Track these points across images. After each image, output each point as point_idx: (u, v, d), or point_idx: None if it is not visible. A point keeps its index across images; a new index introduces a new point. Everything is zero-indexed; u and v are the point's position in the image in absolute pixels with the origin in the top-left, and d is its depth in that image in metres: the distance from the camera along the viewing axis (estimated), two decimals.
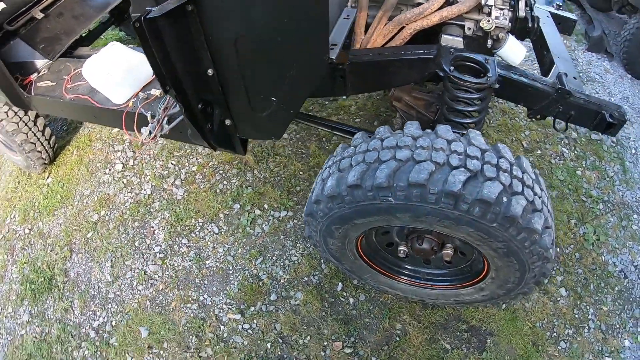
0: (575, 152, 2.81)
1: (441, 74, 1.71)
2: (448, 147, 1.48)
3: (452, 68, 1.68)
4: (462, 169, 1.41)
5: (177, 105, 1.78)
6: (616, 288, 2.33)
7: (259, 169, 2.79)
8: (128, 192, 2.89)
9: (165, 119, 2.07)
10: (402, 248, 1.90)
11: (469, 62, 1.71)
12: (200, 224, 2.62)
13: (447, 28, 1.89)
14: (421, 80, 1.89)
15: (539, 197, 1.51)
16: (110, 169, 3.07)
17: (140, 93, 2.26)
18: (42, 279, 2.70)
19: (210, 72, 1.57)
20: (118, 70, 2.28)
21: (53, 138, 3.23)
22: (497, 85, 1.66)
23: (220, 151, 2.30)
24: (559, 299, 2.29)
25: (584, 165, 2.74)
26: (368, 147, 1.59)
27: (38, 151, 3.12)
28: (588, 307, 2.27)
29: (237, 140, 1.93)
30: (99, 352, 2.37)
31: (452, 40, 1.83)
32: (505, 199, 1.40)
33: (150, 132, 2.06)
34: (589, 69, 3.41)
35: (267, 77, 1.60)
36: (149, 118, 2.06)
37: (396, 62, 1.85)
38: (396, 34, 1.92)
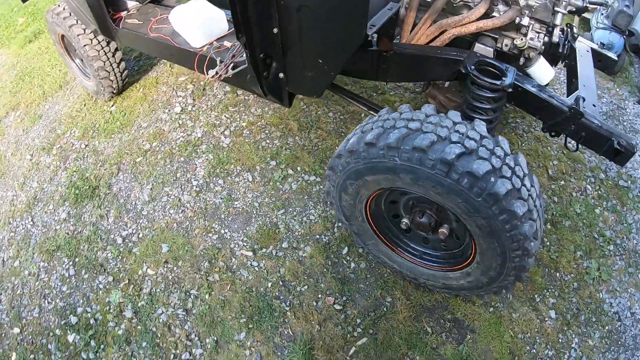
0: (599, 192, 3.15)
1: (463, 71, 2.19)
2: (453, 127, 1.95)
3: (473, 67, 2.16)
4: (460, 145, 1.88)
5: (244, 55, 2.37)
6: (607, 327, 2.58)
7: (300, 137, 3.34)
8: (181, 132, 3.52)
9: (231, 64, 2.64)
10: (405, 220, 2.37)
11: (491, 68, 2.19)
12: (238, 170, 3.20)
13: (482, 38, 2.38)
14: (450, 78, 2.38)
15: (527, 190, 1.94)
16: (169, 110, 3.72)
17: (214, 42, 2.87)
18: (87, 187, 3.37)
19: (275, 30, 2.14)
20: (200, 20, 2.89)
21: (125, 72, 3.92)
22: (510, 90, 2.12)
23: (269, 100, 2.84)
24: (547, 319, 2.61)
25: (604, 206, 3.08)
26: (389, 117, 2.09)
27: (110, 80, 3.81)
28: (574, 336, 2.55)
29: (286, 93, 2.48)
30: (120, 257, 2.98)
31: (483, 49, 2.32)
32: (492, 179, 1.85)
33: (216, 73, 2.65)
34: (635, 121, 3.72)
35: (317, 42, 2.15)
36: (217, 62, 2.65)
37: (432, 59, 2.36)
38: (437, 36, 2.43)
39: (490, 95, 2.18)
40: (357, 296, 2.67)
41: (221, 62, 2.67)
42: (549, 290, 2.70)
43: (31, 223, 3.38)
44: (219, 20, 2.94)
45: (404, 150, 1.93)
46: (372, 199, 2.39)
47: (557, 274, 2.75)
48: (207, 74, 2.67)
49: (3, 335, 3.02)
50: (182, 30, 2.95)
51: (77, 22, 3.46)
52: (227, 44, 2.84)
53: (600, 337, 2.54)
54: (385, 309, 2.63)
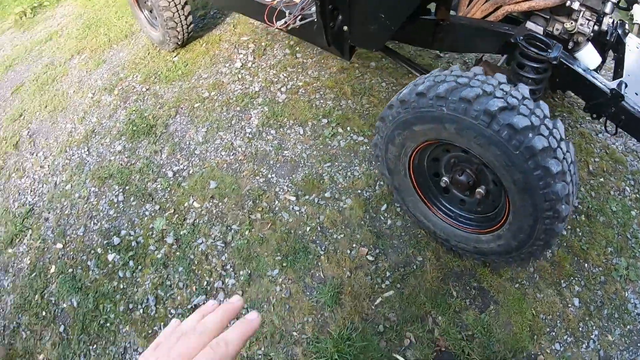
0: (638, 195, 3.32)
1: (512, 41, 2.52)
2: (498, 86, 2.27)
3: (522, 38, 2.48)
4: (503, 100, 2.19)
5: (311, 9, 2.78)
6: (628, 326, 2.72)
7: (352, 101, 3.71)
8: (239, 85, 3.95)
9: (300, 16, 3.04)
10: (445, 178, 2.69)
11: (538, 42, 2.50)
12: (290, 124, 3.59)
13: (534, 17, 2.69)
14: (499, 50, 2.70)
15: (562, 153, 2.23)
16: (230, 65, 4.16)
17: None
18: (145, 125, 3.82)
19: None
20: None
21: (192, 26, 4.38)
22: (554, 62, 2.42)
23: (330, 51, 3.17)
24: (570, 305, 2.80)
25: None
26: (440, 74, 2.43)
27: (177, 31, 4.27)
28: (594, 328, 2.71)
29: (347, 45, 2.86)
30: (169, 189, 3.41)
31: (534, 26, 2.63)
32: (530, 134, 2.15)
33: (285, 22, 3.05)
34: None
35: None
36: (287, 13, 3.06)
37: (486, 31, 2.69)
38: (491, 12, 2.75)
39: (535, 65, 2.49)
40: (389, 251, 2.99)
41: (290, 13, 3.08)
42: (576, 278, 2.90)
43: (87, 152, 3.86)
44: None
45: (451, 101, 2.26)
46: (416, 153, 2.72)
47: (586, 265, 2.95)
48: (276, 23, 3.09)
49: (46, 249, 3.49)
50: None
51: None
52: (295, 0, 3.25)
53: (621, 335, 2.66)
54: (414, 267, 2.94)
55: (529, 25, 2.67)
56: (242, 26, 4.63)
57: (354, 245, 3.01)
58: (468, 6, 2.86)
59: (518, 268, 2.90)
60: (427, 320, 2.75)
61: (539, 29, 2.65)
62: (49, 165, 3.99)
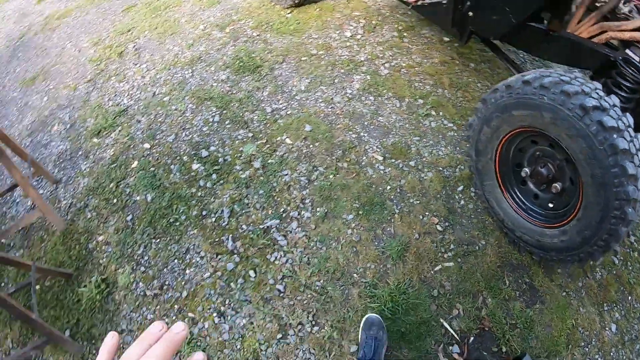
0: None
1: (612, 59, 3.02)
2: (594, 90, 2.77)
3: (621, 58, 3.01)
4: (597, 101, 2.68)
5: None
6: None
7: (449, 91, 4.23)
8: (347, 51, 4.54)
9: None
10: (526, 169, 3.19)
11: (634, 67, 3.03)
12: (389, 95, 4.15)
13: (633, 48, 3.18)
14: (596, 69, 3.18)
15: (638, 161, 2.71)
16: (339, 32, 4.77)
17: None
18: (252, 63, 4.41)
19: None
20: None
21: None
22: None
23: (450, 32, 3.63)
24: (607, 329, 3.11)
25: None
26: (546, 70, 2.95)
27: None
28: (624, 358, 2.97)
29: (467, 31, 3.43)
30: (264, 122, 3.98)
31: (632, 54, 3.11)
32: (615, 135, 2.62)
33: None
34: None
35: None
36: None
37: (589, 49, 3.16)
38: (596, 35, 3.30)
39: (629, 85, 3.00)
40: (457, 227, 3.46)
41: None
42: (618, 306, 3.24)
43: (190, 74, 4.47)
44: None
45: (552, 92, 2.70)
46: (505, 140, 3.22)
47: (630, 297, 3.29)
48: None
49: (132, 146, 4.05)
50: None
51: None
52: None
53: None
54: (477, 248, 3.37)
55: (628, 52, 3.21)
56: (355, 1, 5.25)
57: (427, 213, 3.51)
58: (577, 24, 3.42)
59: (568, 278, 3.28)
60: (478, 298, 3.17)
61: (636, 58, 3.20)
62: (150, 77, 4.63)
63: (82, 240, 3.76)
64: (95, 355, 3.27)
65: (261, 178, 3.63)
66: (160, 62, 4.74)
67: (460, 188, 3.59)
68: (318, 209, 3.46)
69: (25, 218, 4.01)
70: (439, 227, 3.43)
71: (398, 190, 3.55)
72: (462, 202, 3.54)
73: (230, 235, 3.45)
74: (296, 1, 4.98)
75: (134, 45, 5.08)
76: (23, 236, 4.04)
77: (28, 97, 5.26)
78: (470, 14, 3.27)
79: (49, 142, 4.59)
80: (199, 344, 3.10)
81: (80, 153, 4.33)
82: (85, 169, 4.16)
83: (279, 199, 3.53)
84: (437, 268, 3.27)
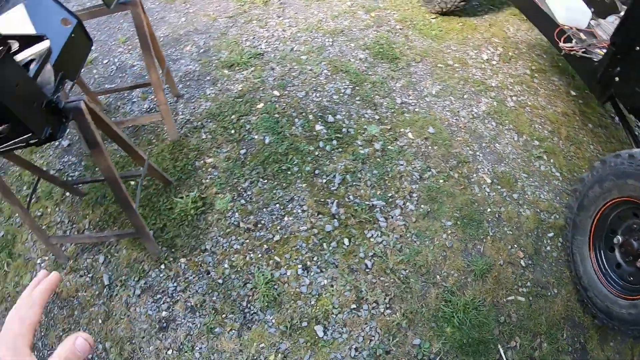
0: None
1: None
2: None
3: None
4: None
5: (595, 50, 3.51)
6: None
7: (564, 143, 4.24)
8: (480, 72, 4.67)
9: (584, 50, 3.76)
10: (619, 237, 3.26)
11: None
12: (509, 127, 4.24)
13: None
14: None
15: None
16: (477, 53, 4.90)
17: (573, 28, 4.00)
18: (390, 53, 4.59)
19: (638, 48, 3.13)
20: (573, 5, 4.01)
21: (462, 3, 5.14)
22: None
23: (590, 87, 3.75)
24: None
25: None
26: None
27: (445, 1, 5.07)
28: None
29: (608, 93, 3.51)
30: (392, 110, 4.12)
31: None
32: None
33: (571, 47, 3.77)
34: None
35: None
36: (574, 42, 3.77)
37: None
38: None
39: None
40: (537, 268, 3.59)
41: (577, 43, 3.81)
42: None
43: (330, 43, 4.63)
44: (584, 16, 4.05)
45: None
46: (611, 204, 3.21)
47: None
48: (562, 43, 3.81)
49: (261, 89, 4.25)
50: (554, 4, 4.11)
51: None
52: (582, 35, 3.96)
53: None
54: (549, 293, 3.50)
55: None
56: (496, 28, 5.34)
57: (516, 245, 3.64)
58: None
59: (617, 354, 3.37)
60: (536, 339, 3.29)
61: None
62: (291, 33, 4.80)
63: (190, 156, 3.95)
64: (171, 261, 3.43)
65: (378, 160, 3.79)
66: (303, 23, 4.93)
67: (551, 234, 3.71)
68: (422, 206, 3.61)
69: (144, 117, 4.19)
70: (522, 262, 3.56)
71: (496, 216, 3.69)
72: (549, 247, 3.67)
73: (336, 200, 3.62)
74: (443, 9, 5.10)
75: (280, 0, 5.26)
76: (132, 133, 4.24)
77: (166, 13, 5.47)
78: (617, 79, 3.39)
79: (179, 59, 4.79)
80: (275, 286, 3.26)
81: (208, 78, 4.52)
82: (209, 94, 4.34)
83: (389, 184, 3.68)
84: (510, 298, 3.40)
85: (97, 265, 3.57)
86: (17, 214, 4.01)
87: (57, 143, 4.46)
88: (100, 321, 3.34)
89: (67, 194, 3.99)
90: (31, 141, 2.24)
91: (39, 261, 3.73)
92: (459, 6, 5.10)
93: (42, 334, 3.42)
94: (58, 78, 2.41)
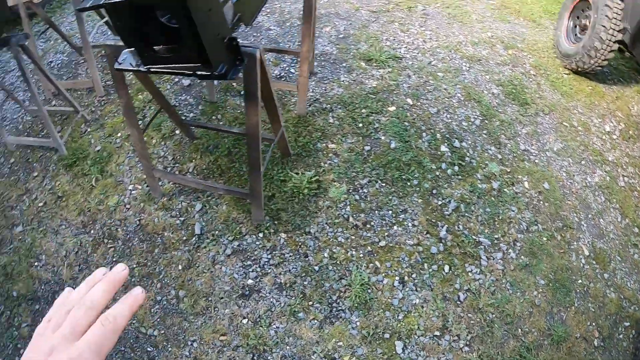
0: None
1: None
2: None
3: None
4: None
5: None
6: None
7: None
8: (599, 142, 4.67)
9: None
10: None
11: None
12: (615, 207, 4.24)
13: None
14: None
15: None
16: (600, 122, 4.89)
17: None
18: (522, 97, 4.68)
19: None
20: None
21: (605, 62, 5.12)
22: None
23: None
24: None
25: None
26: None
27: (594, 55, 4.97)
28: None
29: None
30: (514, 155, 4.18)
31: None
32: None
33: None
34: None
35: None
36: None
37: None
38: None
39: None
40: (607, 353, 3.56)
41: None
42: None
43: (467, 68, 4.70)
44: None
45: None
46: None
47: None
48: None
49: (394, 92, 4.38)
50: None
51: None
52: None
53: None
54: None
55: None
56: (622, 102, 5.25)
57: (594, 323, 3.58)
58: None
59: None
60: None
61: None
62: (431, 46, 4.85)
63: (314, 136, 4.02)
64: (271, 232, 3.49)
65: (492, 199, 3.85)
66: (443, 40, 4.97)
67: (627, 324, 3.78)
68: (522, 257, 3.68)
69: (280, 83, 4.29)
70: (595, 342, 3.64)
71: (585, 289, 3.76)
72: (621, 335, 3.74)
73: (447, 225, 3.69)
74: (579, 68, 5.10)
75: (423, 9, 5.32)
76: None
77: None
78: None
79: (317, 37, 4.84)
80: (369, 290, 3.33)
81: (344, 65, 4.57)
82: (343, 80, 4.40)
83: (498, 225, 3.74)
84: None
85: (192, 212, 3.65)
86: (119, 134, 4.06)
87: (177, 79, 4.52)
88: (180, 267, 3.42)
89: (178, 132, 4.04)
90: (199, 72, 2.14)
91: (130, 187, 3.80)
92: (595, 70, 5.10)
93: (115, 260, 3.46)
94: (235, 19, 2.37)
